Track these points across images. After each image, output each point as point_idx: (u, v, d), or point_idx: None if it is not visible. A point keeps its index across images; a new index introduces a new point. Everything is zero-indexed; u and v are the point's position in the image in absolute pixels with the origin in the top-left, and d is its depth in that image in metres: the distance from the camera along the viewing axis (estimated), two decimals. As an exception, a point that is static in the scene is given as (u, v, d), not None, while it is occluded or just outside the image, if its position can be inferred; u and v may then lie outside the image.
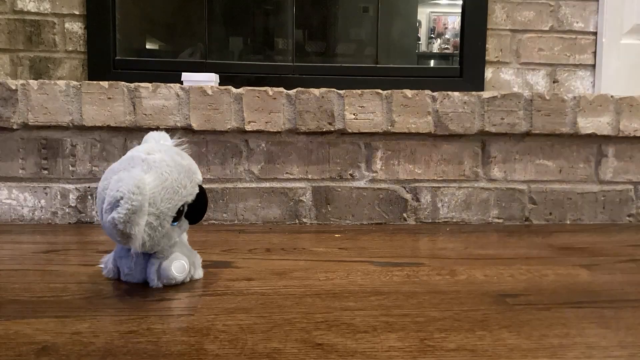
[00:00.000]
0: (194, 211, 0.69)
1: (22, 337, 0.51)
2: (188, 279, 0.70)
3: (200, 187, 0.69)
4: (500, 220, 1.16)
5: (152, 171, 0.64)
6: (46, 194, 1.09)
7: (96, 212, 1.10)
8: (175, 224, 0.67)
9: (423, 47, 3.22)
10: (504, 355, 0.49)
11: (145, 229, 0.62)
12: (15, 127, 1.07)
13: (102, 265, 0.73)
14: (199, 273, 0.72)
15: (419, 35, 2.87)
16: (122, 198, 0.59)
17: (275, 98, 1.09)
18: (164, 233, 0.65)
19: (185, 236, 0.74)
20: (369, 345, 0.50)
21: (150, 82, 1.08)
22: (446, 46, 3.16)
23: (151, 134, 0.74)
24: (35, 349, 0.48)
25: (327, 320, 0.57)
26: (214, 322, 0.56)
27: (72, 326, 0.54)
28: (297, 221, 1.13)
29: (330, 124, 1.10)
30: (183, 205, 0.67)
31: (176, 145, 0.73)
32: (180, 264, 0.68)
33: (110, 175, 0.65)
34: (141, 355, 0.47)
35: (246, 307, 0.61)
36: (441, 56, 3.32)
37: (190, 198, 0.67)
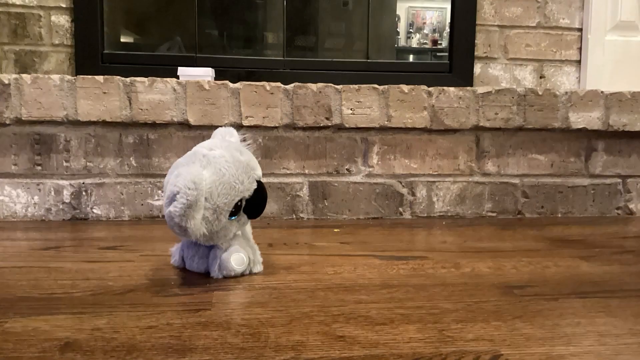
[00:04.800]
0: (252, 206, 0.70)
1: (42, 334, 0.51)
2: (248, 272, 0.71)
3: (258, 182, 0.70)
4: (494, 214, 1.18)
5: (211, 167, 0.66)
6: (40, 190, 1.07)
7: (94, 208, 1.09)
8: (233, 218, 0.68)
9: (402, 42, 3.26)
10: (522, 344, 0.50)
11: (203, 222, 0.64)
12: (7, 122, 1.05)
13: (171, 255, 0.76)
14: (258, 268, 0.73)
15: (397, 29, 2.92)
16: (178, 193, 0.62)
17: (272, 93, 1.09)
18: (221, 227, 0.67)
19: (249, 230, 0.76)
20: (390, 336, 0.51)
21: (139, 76, 1.07)
22: (425, 41, 3.19)
23: (218, 130, 0.76)
24: (58, 345, 0.48)
25: (343, 313, 0.58)
26: (232, 316, 0.56)
27: (90, 322, 0.54)
28: (294, 216, 1.13)
29: (327, 118, 1.10)
30: (240, 200, 0.68)
31: (242, 141, 0.75)
32: (239, 257, 0.70)
33: (174, 169, 0.67)
34: (167, 350, 0.47)
35: (261, 301, 0.61)
36: (419, 51, 3.36)
37: (247, 193, 0.68)
